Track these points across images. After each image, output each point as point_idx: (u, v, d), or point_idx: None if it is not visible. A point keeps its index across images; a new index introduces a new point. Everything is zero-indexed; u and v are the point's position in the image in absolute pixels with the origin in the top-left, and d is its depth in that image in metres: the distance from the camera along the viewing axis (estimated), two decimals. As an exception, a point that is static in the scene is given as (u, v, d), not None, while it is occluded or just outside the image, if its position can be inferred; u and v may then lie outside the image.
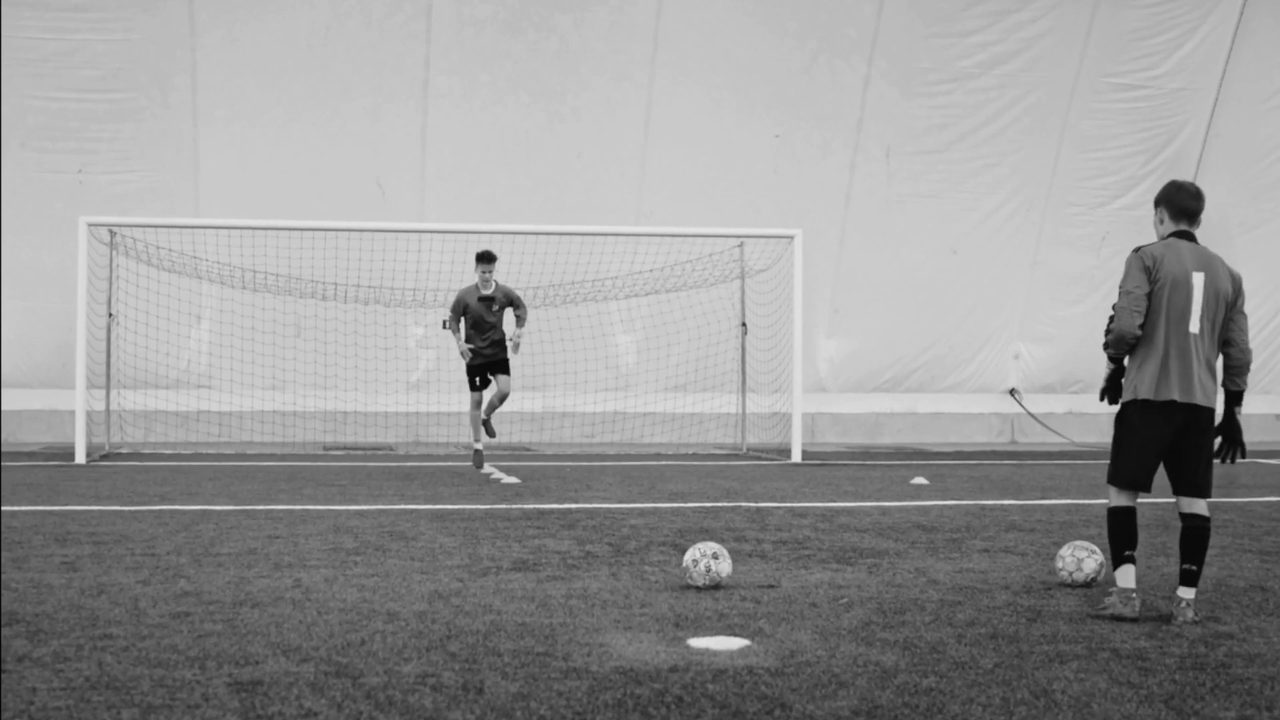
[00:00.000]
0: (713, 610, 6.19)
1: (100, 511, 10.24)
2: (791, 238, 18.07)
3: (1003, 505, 11.49)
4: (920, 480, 13.85)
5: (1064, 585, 7.04)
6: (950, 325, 22.93)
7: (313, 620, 5.84)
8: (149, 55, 19.00)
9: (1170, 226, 6.39)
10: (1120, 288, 6.27)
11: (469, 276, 19.99)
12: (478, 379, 14.30)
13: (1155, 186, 22.41)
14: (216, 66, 19.30)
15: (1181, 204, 6.37)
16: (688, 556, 6.91)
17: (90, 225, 16.48)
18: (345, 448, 19.38)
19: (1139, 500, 6.45)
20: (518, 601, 6.38)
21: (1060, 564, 7.14)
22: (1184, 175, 22.77)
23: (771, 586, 6.94)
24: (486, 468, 14.97)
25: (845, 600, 6.52)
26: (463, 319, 14.16)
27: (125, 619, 5.82)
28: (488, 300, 14.07)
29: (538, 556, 7.95)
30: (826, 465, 16.83)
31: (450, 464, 16.28)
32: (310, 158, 19.96)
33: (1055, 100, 22.00)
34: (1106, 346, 6.36)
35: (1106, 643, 5.55)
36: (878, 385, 23.06)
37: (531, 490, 12.53)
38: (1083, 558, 7.09)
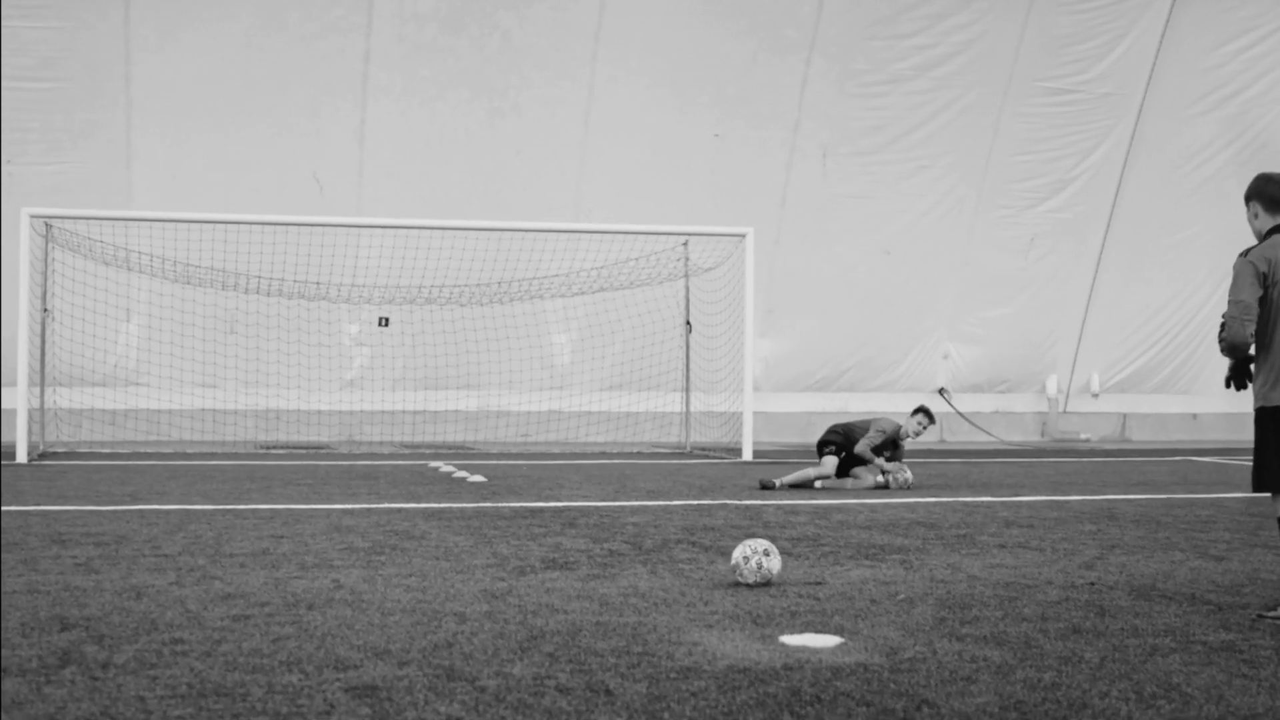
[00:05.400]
0: (781, 608, 6.10)
1: (80, 511, 9.86)
2: (743, 236, 18.07)
3: (985, 502, 11.57)
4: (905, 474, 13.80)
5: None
6: (882, 325, 23.15)
7: (380, 622, 5.64)
8: (81, 43, 18.46)
9: (1268, 220, 6.32)
10: (1230, 296, 6.15)
11: (405, 273, 19.77)
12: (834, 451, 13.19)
13: (1084, 189, 23.12)
14: (151, 56, 18.80)
15: (1274, 195, 6.29)
16: (737, 553, 6.81)
17: (31, 217, 15.92)
18: (283, 446, 18.97)
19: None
20: (577, 601, 6.23)
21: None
22: (1109, 180, 23.27)
23: (819, 583, 6.87)
24: (445, 467, 14.73)
25: (903, 596, 6.48)
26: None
27: (185, 622, 5.57)
28: (895, 446, 13.30)
29: (563, 555, 7.80)
30: (778, 463, 16.82)
31: (403, 463, 16.01)
32: (246, 151, 19.54)
33: (988, 103, 22.30)
34: (1223, 351, 6.31)
35: (1192, 636, 5.56)
36: (809, 385, 23.20)
37: (507, 488, 12.35)
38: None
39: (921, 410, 13.30)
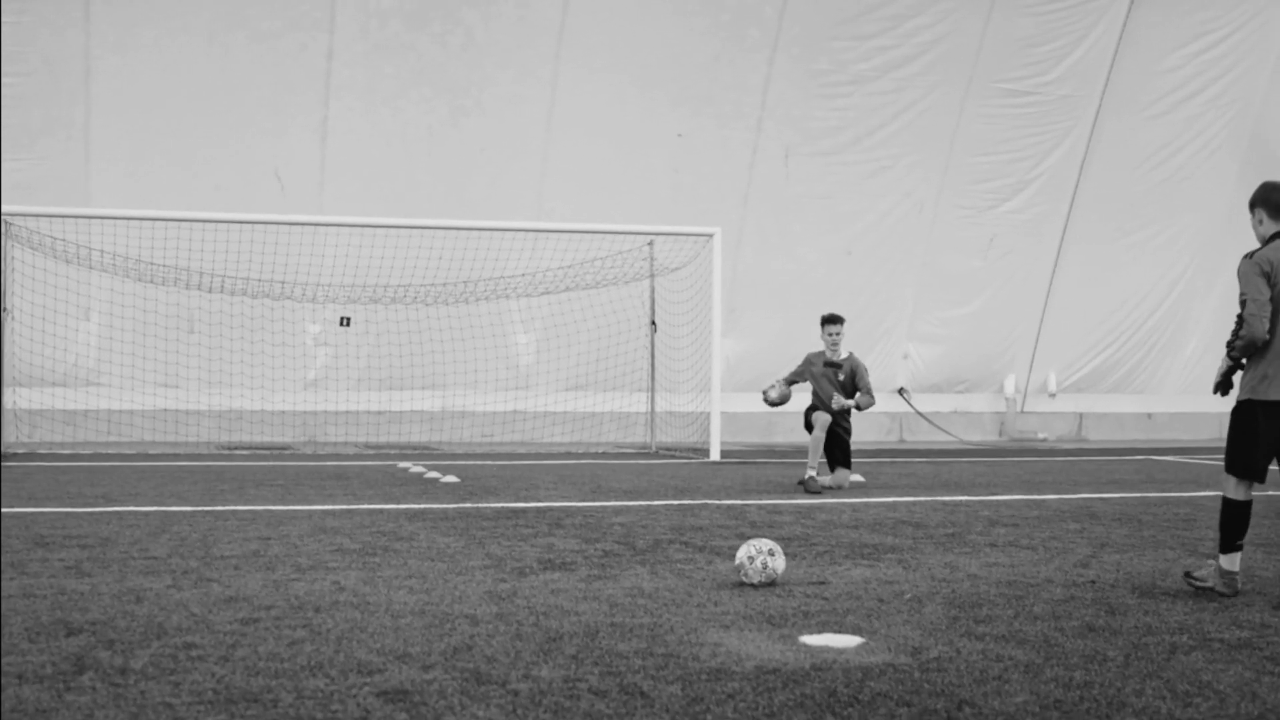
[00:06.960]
0: (792, 608, 6.07)
1: (57, 513, 9.68)
2: (710, 236, 18.04)
3: (963, 501, 11.61)
4: (858, 478, 13.90)
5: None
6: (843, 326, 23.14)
7: (392, 625, 5.55)
8: (40, 38, 18.14)
9: (1272, 226, 6.53)
10: (1243, 295, 6.38)
11: (367, 272, 19.64)
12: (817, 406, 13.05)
13: (1042, 190, 23.30)
14: (111, 51, 18.52)
15: (1278, 202, 6.51)
16: (742, 553, 6.77)
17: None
18: (245, 447, 18.75)
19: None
20: (585, 602, 6.17)
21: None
22: (1067, 181, 23.45)
23: (823, 583, 6.84)
24: (415, 467, 14.63)
25: (910, 596, 6.47)
26: (801, 382, 13.25)
27: (193, 626, 5.46)
28: (834, 366, 13.01)
29: (558, 556, 7.73)
30: (749, 463, 16.83)
31: (370, 463, 15.86)
32: (207, 148, 19.30)
33: (949, 104, 22.39)
34: (1232, 350, 6.46)
35: (1208, 633, 5.58)
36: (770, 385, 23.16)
37: (482, 489, 12.25)
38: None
39: (822, 322, 13.06)
